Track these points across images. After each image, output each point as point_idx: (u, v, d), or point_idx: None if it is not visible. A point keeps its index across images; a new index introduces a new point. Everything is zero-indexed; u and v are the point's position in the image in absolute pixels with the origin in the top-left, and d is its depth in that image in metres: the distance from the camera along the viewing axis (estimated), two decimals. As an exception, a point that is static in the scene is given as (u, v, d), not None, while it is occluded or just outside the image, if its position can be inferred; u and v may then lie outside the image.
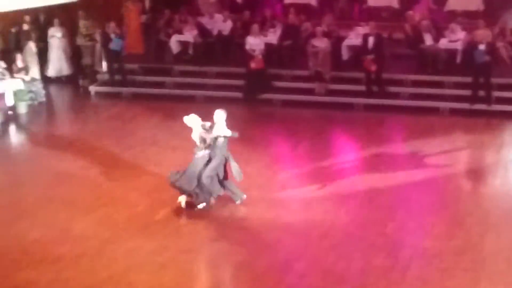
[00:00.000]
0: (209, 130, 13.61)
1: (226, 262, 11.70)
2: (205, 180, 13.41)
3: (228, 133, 13.56)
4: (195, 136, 13.69)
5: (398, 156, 16.69)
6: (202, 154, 13.57)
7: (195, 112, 19.15)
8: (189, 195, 13.61)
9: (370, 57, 19.99)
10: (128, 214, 13.51)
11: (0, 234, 12.91)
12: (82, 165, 16.15)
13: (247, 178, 14.63)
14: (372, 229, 12.72)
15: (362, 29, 21.51)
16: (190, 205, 13.64)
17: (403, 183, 14.95)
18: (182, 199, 13.66)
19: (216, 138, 13.51)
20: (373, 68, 19.95)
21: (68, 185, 14.98)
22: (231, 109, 20.09)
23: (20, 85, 20.63)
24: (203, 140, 13.59)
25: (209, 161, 13.54)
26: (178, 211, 13.63)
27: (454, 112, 19.44)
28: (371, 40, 20.08)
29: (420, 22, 21.06)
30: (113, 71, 22.47)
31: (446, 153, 16.61)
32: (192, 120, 13.74)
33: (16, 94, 20.33)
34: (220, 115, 13.61)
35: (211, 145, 13.56)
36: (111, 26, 22.20)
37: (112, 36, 22.05)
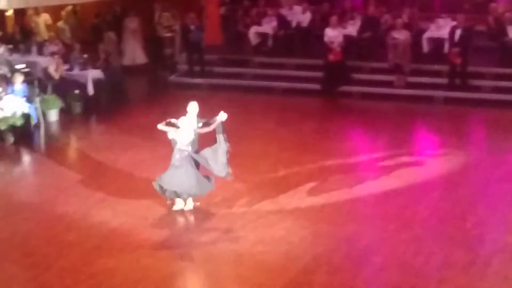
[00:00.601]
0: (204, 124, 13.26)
1: (303, 254, 11.63)
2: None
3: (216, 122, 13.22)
4: (180, 135, 13.10)
5: (479, 150, 16.41)
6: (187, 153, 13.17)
7: (274, 103, 19.30)
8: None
9: (455, 49, 19.67)
10: (206, 204, 13.56)
11: (82, 222, 13.11)
12: (161, 155, 16.24)
13: (325, 170, 14.61)
14: (452, 223, 12.52)
15: (443, 21, 21.21)
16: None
17: (483, 177, 14.71)
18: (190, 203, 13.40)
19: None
20: (458, 61, 19.64)
21: (147, 174, 15.11)
22: (309, 101, 20.33)
23: (100, 75, 20.93)
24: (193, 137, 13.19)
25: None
26: (253, 202, 13.64)
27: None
28: (458, 33, 19.75)
29: (503, 14, 20.65)
30: (192, 62, 22.63)
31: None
32: (166, 127, 13.18)
33: (96, 83, 20.63)
34: (195, 107, 13.25)
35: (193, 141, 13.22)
36: (191, 17, 22.37)
37: (192, 27, 22.21)
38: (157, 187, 13.27)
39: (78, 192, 14.52)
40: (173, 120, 13.11)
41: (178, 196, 13.26)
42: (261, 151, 16.29)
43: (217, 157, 13.19)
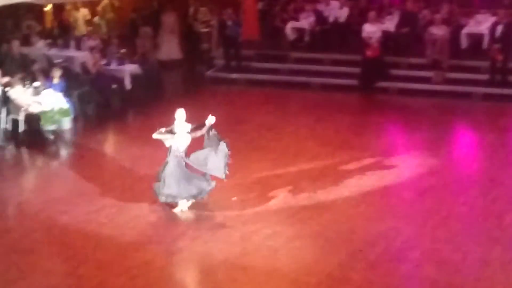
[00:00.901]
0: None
1: (339, 249, 11.59)
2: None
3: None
4: (177, 141, 13.03)
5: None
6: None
7: (310, 99, 19.27)
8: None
9: (497, 46, 19.48)
10: (242, 199, 13.58)
11: (119, 215, 13.18)
12: (195, 150, 16.30)
13: (362, 166, 14.59)
14: (490, 221, 12.41)
15: (482, 17, 21.01)
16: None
17: (523, 174, 14.58)
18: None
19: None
20: (500, 57, 19.45)
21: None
22: (346, 96, 20.26)
23: (137, 70, 21.04)
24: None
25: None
26: (290, 197, 13.63)
27: None
28: (499, 29, 19.55)
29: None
30: (229, 57, 22.66)
31: None
32: (163, 136, 13.08)
33: (133, 78, 20.73)
34: (182, 113, 13.11)
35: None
36: (228, 12, 22.39)
37: (229, 22, 22.23)
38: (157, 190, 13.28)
39: (116, 185, 14.61)
40: (163, 130, 13.04)
41: (176, 199, 13.22)
42: (297, 147, 16.27)
43: (216, 159, 13.15)
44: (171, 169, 13.00)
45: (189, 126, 13.07)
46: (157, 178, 13.21)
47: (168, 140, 13.03)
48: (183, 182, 13.00)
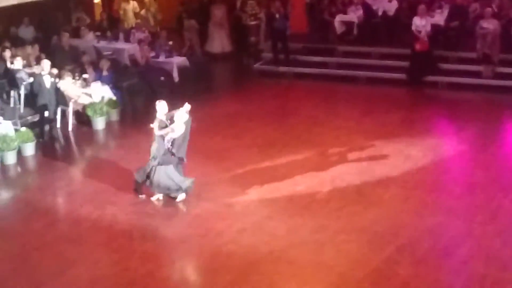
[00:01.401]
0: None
1: (386, 244, 11.53)
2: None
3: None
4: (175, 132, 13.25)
5: None
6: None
7: (358, 93, 19.18)
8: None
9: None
10: (289, 192, 13.59)
11: (166, 207, 13.30)
12: (244, 142, 16.35)
13: (410, 160, 14.50)
14: (541, 218, 12.28)
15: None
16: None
17: None
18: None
19: None
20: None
21: (228, 162, 15.20)
22: (394, 91, 20.11)
23: (186, 62, 21.11)
24: None
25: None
26: (337, 191, 13.58)
27: None
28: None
29: None
30: (277, 50, 22.62)
31: None
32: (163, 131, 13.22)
33: (181, 71, 20.80)
34: (164, 105, 13.31)
35: None
36: (276, 5, 22.35)
37: (277, 15, 22.18)
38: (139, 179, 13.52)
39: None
40: (153, 125, 13.26)
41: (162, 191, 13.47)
42: (345, 141, 16.19)
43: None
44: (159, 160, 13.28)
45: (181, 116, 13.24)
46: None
47: (169, 134, 13.17)
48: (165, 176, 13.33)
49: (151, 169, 13.23)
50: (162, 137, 13.13)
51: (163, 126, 13.13)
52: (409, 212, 12.65)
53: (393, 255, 11.20)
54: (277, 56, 22.65)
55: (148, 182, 13.39)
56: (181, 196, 13.38)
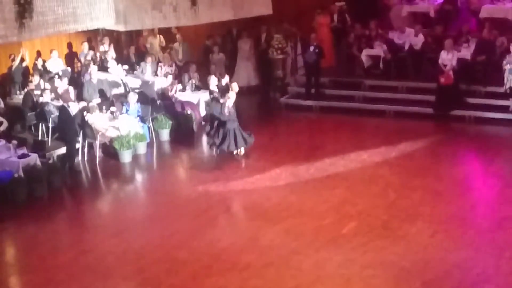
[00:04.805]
0: None
1: (413, 280, 11.45)
2: None
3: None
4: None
5: None
6: None
7: (385, 126, 19.17)
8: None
9: None
10: (315, 226, 13.56)
11: (192, 241, 13.28)
12: (271, 176, 16.36)
13: (436, 195, 14.45)
14: None
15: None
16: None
17: None
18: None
19: None
20: None
21: (256, 195, 15.22)
22: (421, 124, 20.06)
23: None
24: None
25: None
26: (363, 225, 13.53)
27: None
28: None
29: None
30: (310, 84, 22.55)
31: None
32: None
33: (208, 104, 20.85)
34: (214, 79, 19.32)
35: None
36: (312, 37, 22.35)
37: (311, 48, 22.17)
38: None
39: (189, 210, 14.76)
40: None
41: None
42: (371, 174, 16.16)
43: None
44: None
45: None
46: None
47: (227, 100, 17.54)
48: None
49: (226, 132, 17.33)
50: (222, 104, 17.52)
51: (216, 96, 18.44)
52: (436, 247, 12.56)
53: (419, 292, 11.13)
54: (309, 90, 22.57)
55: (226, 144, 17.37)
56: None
